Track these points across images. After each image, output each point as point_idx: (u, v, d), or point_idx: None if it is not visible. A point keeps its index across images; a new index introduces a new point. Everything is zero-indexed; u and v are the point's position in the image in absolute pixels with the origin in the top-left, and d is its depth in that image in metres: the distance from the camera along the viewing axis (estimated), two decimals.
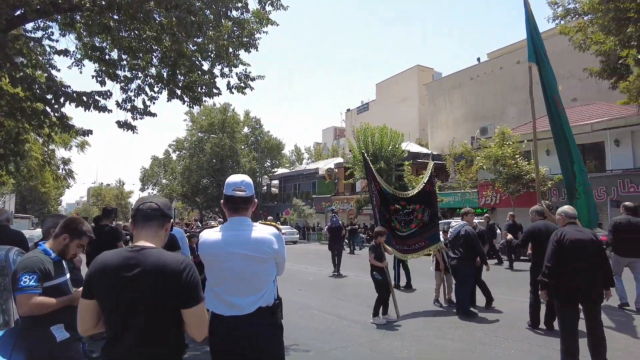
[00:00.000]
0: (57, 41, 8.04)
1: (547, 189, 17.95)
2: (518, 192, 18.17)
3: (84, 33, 7.57)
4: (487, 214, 16.98)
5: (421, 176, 8.31)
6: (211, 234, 2.42)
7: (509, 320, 6.47)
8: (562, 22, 15.88)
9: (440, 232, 8.35)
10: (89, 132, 7.92)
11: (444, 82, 36.54)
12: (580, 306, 4.17)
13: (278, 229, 2.50)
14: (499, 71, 31.03)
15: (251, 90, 8.93)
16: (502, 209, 20.32)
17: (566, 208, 4.54)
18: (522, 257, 13.68)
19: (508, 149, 18.17)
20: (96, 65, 7.83)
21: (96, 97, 7.47)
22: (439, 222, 8.75)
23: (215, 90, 8.57)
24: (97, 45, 7.85)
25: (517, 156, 18.09)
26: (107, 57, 7.94)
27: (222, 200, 2.47)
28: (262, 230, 2.40)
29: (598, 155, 19.84)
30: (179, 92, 8.38)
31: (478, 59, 35.22)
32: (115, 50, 7.94)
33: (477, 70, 33.10)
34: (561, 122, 7.44)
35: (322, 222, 32.52)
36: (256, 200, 2.52)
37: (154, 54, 8.15)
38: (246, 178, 2.47)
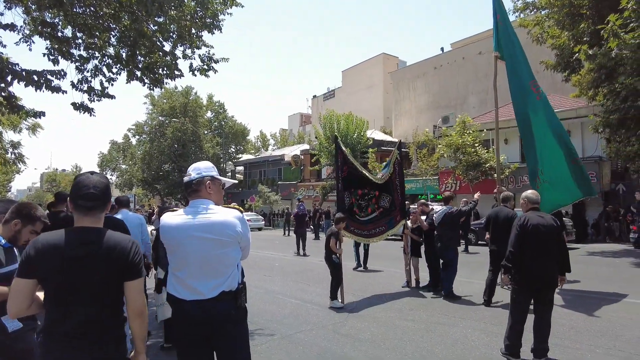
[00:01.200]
0: (1, 14, 7.50)
1: (505, 177, 18.72)
2: (477, 179, 18.85)
3: (33, 7, 7.08)
4: (464, 199, 17.49)
5: (384, 162, 8.42)
6: (172, 218, 2.41)
7: (466, 302, 6.77)
8: (522, 15, 16.40)
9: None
10: (41, 113, 7.49)
11: (408, 70, 37.02)
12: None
13: (241, 211, 2.50)
14: (461, 61, 31.76)
15: (214, 72, 8.71)
16: (462, 195, 21.01)
17: (529, 193, 4.62)
18: (479, 242, 14.30)
19: (468, 138, 18.76)
20: (48, 42, 7.38)
21: (48, 77, 7.05)
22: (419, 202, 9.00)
23: (176, 72, 8.30)
24: (48, 21, 7.37)
25: (477, 145, 18.71)
26: (59, 34, 7.49)
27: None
28: (225, 214, 2.39)
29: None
30: (138, 73, 8.05)
31: (442, 49, 35.91)
32: (69, 27, 7.50)
33: (441, 60, 33.73)
34: (533, 108, 7.74)
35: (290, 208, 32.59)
36: (210, 181, 2.48)
37: (112, 32, 7.77)
38: (198, 163, 2.57)
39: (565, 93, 21.77)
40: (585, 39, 12.80)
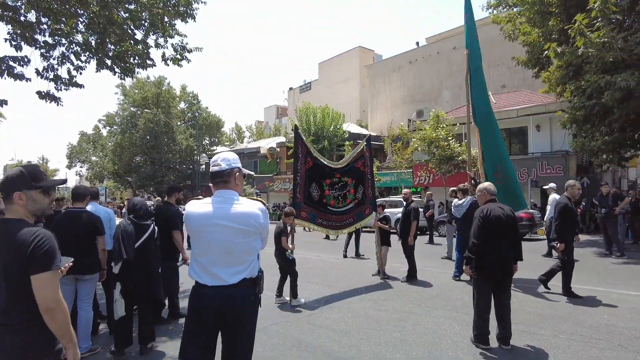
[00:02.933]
0: None
1: (477, 170, 19.16)
2: (450, 173, 19.24)
3: None
4: (429, 192, 17.70)
5: (351, 153, 8.44)
6: (198, 206, 2.48)
7: (438, 292, 6.94)
8: (495, 11, 16.74)
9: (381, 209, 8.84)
10: (3, 102, 7.16)
11: (384, 64, 37.25)
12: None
13: (263, 203, 2.61)
14: (436, 56, 32.19)
15: (188, 62, 8.54)
16: (435, 188, 21.42)
17: (487, 185, 4.75)
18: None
19: (442, 132, 19.07)
20: (9, 27, 7.04)
21: (10, 63, 6.74)
22: (377, 200, 9.10)
23: (149, 62, 8.10)
24: (10, 4, 7.02)
25: (450, 139, 19.06)
26: (22, 18, 7.15)
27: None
28: (249, 205, 2.50)
29: (522, 139, 21.45)
30: (109, 62, 7.81)
31: (417, 43, 36.25)
32: (33, 11, 7.17)
33: (416, 54, 34.09)
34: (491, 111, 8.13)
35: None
36: (238, 173, 2.58)
37: (80, 19, 7.48)
38: (225, 154, 2.62)
39: (536, 89, 22.45)
40: (554, 36, 13.19)
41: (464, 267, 4.49)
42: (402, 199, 9.17)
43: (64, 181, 2.22)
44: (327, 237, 10.58)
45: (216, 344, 2.46)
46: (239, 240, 2.41)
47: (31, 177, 2.01)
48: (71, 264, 2.40)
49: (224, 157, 2.56)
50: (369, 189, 8.24)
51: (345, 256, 10.98)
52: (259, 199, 2.67)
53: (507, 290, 4.45)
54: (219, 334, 2.46)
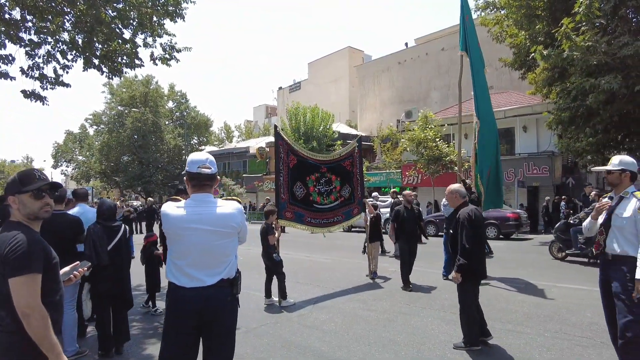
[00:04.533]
0: None
1: (465, 170, 19.38)
2: (438, 173, 19.41)
3: None
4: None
5: (342, 149, 8.48)
6: (174, 209, 2.45)
7: (427, 292, 7.01)
8: (483, 13, 16.93)
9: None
10: None
11: (373, 65, 37.41)
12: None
13: (239, 202, 2.63)
14: (424, 57, 32.42)
15: (177, 62, 8.50)
16: (423, 188, 21.60)
17: (458, 187, 4.76)
18: (439, 233, 14.75)
19: (430, 132, 19.24)
20: None
21: None
22: (368, 199, 9.13)
23: (137, 61, 8.03)
24: None
25: (438, 139, 19.23)
26: (7, 15, 7.04)
27: (185, 177, 2.55)
28: (226, 206, 2.50)
29: (509, 140, 21.75)
30: (96, 61, 7.73)
31: (406, 44, 36.49)
32: (17, 8, 7.06)
33: (405, 55, 34.29)
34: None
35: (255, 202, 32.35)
36: (218, 177, 2.64)
37: (66, 17, 7.39)
38: (210, 156, 2.57)
39: (522, 90, 22.74)
40: (540, 39, 13.40)
41: (455, 275, 4.30)
42: (399, 200, 9.11)
43: (55, 184, 2.14)
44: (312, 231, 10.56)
45: (198, 344, 2.46)
46: (218, 242, 2.43)
47: (21, 181, 2.01)
48: (87, 268, 2.39)
49: (212, 160, 2.53)
50: (357, 189, 8.27)
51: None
52: (235, 198, 2.68)
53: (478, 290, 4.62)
54: (200, 334, 2.46)
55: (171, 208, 2.46)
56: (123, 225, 4.54)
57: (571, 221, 10.01)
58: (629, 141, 12.88)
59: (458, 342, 4.48)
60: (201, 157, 2.51)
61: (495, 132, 8.52)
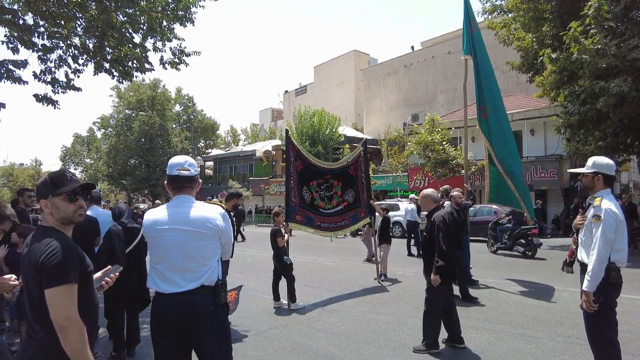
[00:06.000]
0: None
1: (472, 173, 19.31)
2: (445, 176, 19.34)
3: None
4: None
5: (348, 156, 8.49)
6: (154, 213, 2.45)
7: None
8: (490, 16, 16.91)
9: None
10: (1, 105, 7.12)
11: (379, 68, 37.43)
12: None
13: (224, 207, 2.56)
14: (431, 60, 32.39)
15: (186, 66, 8.56)
16: (452, 188, 21.53)
17: (430, 192, 4.76)
18: None
19: (437, 136, 19.19)
20: (7, 29, 7.02)
21: (10, 67, 6.71)
22: (375, 203, 9.12)
23: (147, 65, 8.10)
24: (7, 7, 7.01)
25: (445, 142, 19.18)
26: (20, 21, 7.14)
27: (165, 182, 2.51)
28: (205, 208, 2.44)
29: (516, 143, 21.55)
30: (107, 65, 7.80)
31: (412, 47, 36.48)
32: (30, 14, 7.16)
33: (411, 58, 34.29)
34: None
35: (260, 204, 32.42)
36: (200, 180, 2.58)
37: (78, 22, 7.48)
38: (189, 158, 2.53)
39: (530, 93, 22.64)
40: (548, 42, 13.36)
41: (434, 277, 4.31)
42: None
43: (88, 185, 2.04)
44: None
45: (189, 354, 2.43)
46: (195, 243, 2.34)
47: (53, 183, 1.89)
48: (118, 274, 2.28)
49: (190, 163, 2.50)
50: (363, 193, 8.25)
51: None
52: (219, 203, 2.65)
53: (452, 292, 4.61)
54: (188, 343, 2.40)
55: (150, 212, 2.48)
56: (141, 228, 4.57)
57: (500, 221, 12.04)
58: (639, 144, 12.78)
59: (418, 345, 4.49)
60: (179, 160, 2.49)
61: (508, 132, 8.48)
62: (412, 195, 11.92)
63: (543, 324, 5.32)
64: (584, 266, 3.24)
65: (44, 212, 1.91)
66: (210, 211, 2.42)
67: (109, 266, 2.30)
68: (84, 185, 1.97)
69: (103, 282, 2.16)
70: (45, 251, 1.75)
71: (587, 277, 3.07)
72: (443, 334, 4.59)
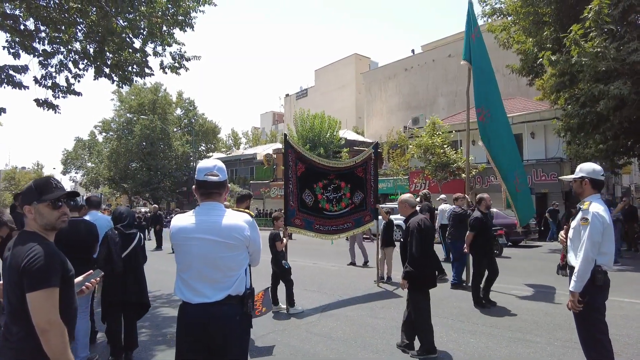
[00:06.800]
0: None
1: (472, 177, 19.28)
2: (445, 179, 19.33)
3: None
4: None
5: (357, 157, 8.48)
6: (182, 219, 2.36)
7: (435, 299, 6.92)
8: (490, 20, 16.93)
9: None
10: (2, 110, 7.17)
11: (380, 71, 37.50)
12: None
13: (251, 215, 2.45)
14: (431, 63, 32.45)
15: (186, 70, 8.62)
16: (431, 194, 21.46)
17: (408, 197, 4.79)
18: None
19: (438, 139, 19.20)
20: (8, 35, 7.08)
21: (10, 72, 6.76)
22: (379, 206, 9.13)
23: (147, 70, 8.15)
24: (9, 12, 7.06)
25: (446, 146, 19.18)
26: (21, 27, 7.19)
27: (193, 186, 2.42)
28: (233, 217, 2.35)
29: (517, 146, 21.58)
30: (107, 70, 7.85)
31: (412, 51, 36.56)
32: (32, 19, 7.22)
33: (412, 62, 34.35)
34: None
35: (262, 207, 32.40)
36: (229, 185, 2.50)
37: (79, 27, 7.53)
38: (218, 163, 2.43)
39: (530, 96, 22.67)
40: (548, 45, 13.37)
41: (402, 281, 4.45)
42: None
43: (72, 193, 2.09)
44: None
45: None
46: (222, 254, 2.27)
47: (37, 190, 1.95)
48: (100, 278, 2.33)
49: (220, 167, 2.40)
50: (371, 196, 8.24)
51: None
52: (247, 210, 2.56)
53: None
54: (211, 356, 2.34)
55: (178, 219, 2.38)
56: (138, 233, 4.57)
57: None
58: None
59: (414, 352, 4.48)
60: (209, 164, 2.40)
61: (511, 137, 8.53)
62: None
63: (542, 328, 5.30)
64: (572, 268, 3.30)
65: (27, 217, 1.95)
66: (238, 220, 2.33)
67: (91, 271, 2.32)
68: (69, 193, 2.02)
69: (83, 287, 2.20)
70: (27, 255, 1.80)
71: (573, 277, 3.18)
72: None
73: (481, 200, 6.87)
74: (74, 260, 4.06)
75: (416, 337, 4.52)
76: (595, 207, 3.20)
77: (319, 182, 7.65)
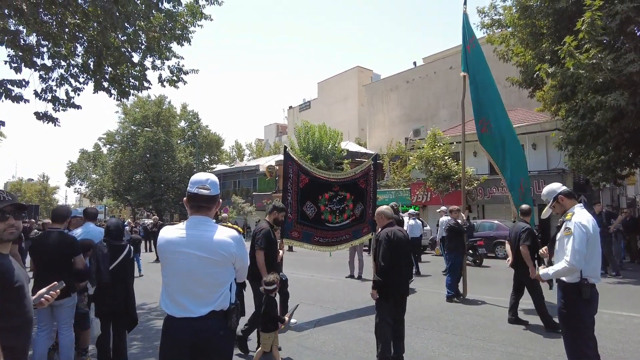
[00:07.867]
0: None
1: (473, 188, 19.23)
2: (447, 191, 19.27)
3: None
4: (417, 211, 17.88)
5: (357, 167, 8.47)
6: (170, 232, 2.37)
7: (429, 313, 6.90)
8: (489, 31, 17.02)
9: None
10: (1, 123, 7.27)
11: (382, 84, 37.70)
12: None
13: (239, 231, 2.48)
14: (432, 75, 32.59)
15: (184, 84, 8.71)
16: (432, 206, 21.42)
17: (384, 209, 4.82)
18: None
19: (439, 150, 19.19)
20: (10, 50, 7.21)
21: (8, 86, 6.87)
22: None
23: (145, 84, 8.25)
24: (11, 28, 7.21)
25: (447, 157, 19.17)
26: (22, 42, 7.33)
27: (184, 198, 2.42)
28: (220, 232, 2.33)
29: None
30: (105, 84, 7.96)
31: (414, 63, 36.78)
32: (34, 35, 7.36)
33: (413, 74, 34.52)
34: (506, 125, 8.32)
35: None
36: (220, 200, 2.50)
37: (78, 42, 7.67)
38: (212, 177, 2.44)
39: (532, 107, 22.65)
40: (546, 57, 13.40)
41: (372, 291, 4.53)
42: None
43: (20, 206, 2.14)
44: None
45: None
46: (208, 269, 2.27)
47: None
48: (59, 291, 2.33)
49: (212, 181, 2.39)
50: (369, 208, 8.22)
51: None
52: (235, 226, 2.57)
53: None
54: None
55: (166, 231, 2.39)
56: (128, 245, 4.58)
57: None
58: None
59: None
60: (201, 177, 2.40)
61: (517, 144, 8.48)
62: (411, 211, 11.87)
63: (537, 343, 5.24)
64: (560, 282, 3.33)
65: None
66: (225, 236, 2.31)
67: (55, 282, 2.32)
68: (15, 205, 2.02)
69: (42, 299, 2.19)
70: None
71: (550, 268, 3.35)
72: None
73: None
74: (55, 271, 4.04)
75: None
76: (578, 217, 3.25)
77: (324, 194, 7.58)
